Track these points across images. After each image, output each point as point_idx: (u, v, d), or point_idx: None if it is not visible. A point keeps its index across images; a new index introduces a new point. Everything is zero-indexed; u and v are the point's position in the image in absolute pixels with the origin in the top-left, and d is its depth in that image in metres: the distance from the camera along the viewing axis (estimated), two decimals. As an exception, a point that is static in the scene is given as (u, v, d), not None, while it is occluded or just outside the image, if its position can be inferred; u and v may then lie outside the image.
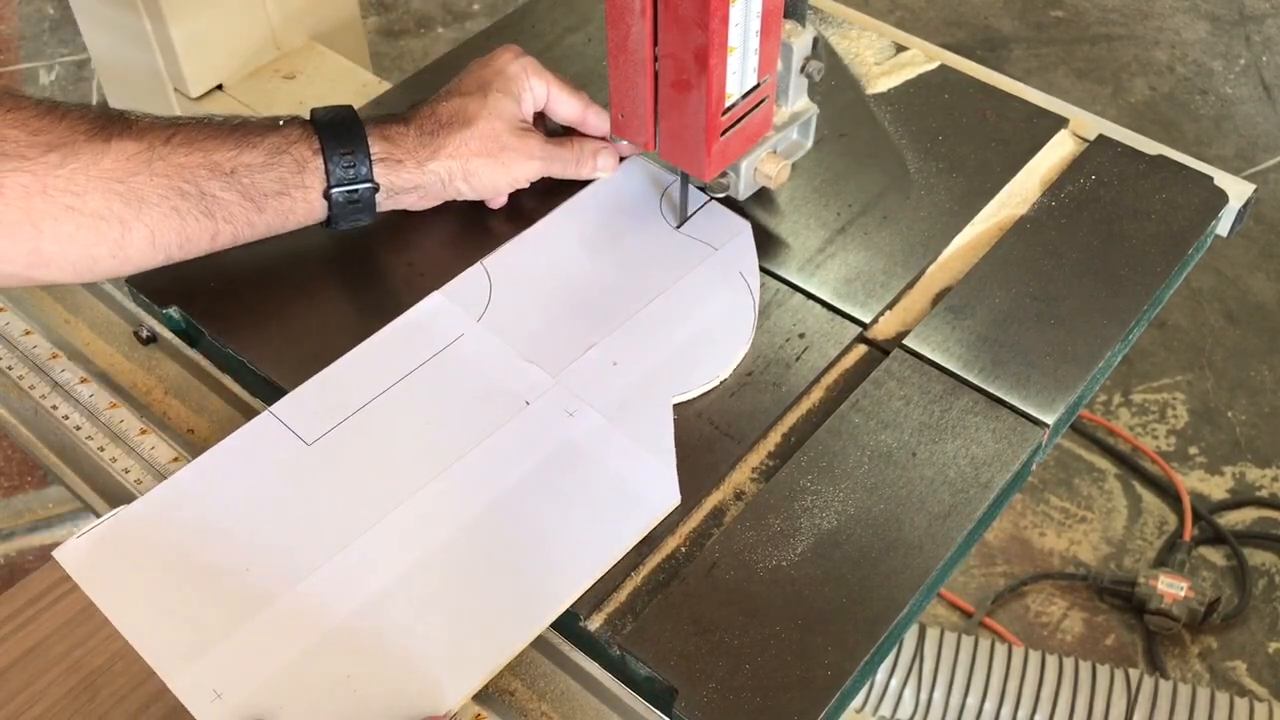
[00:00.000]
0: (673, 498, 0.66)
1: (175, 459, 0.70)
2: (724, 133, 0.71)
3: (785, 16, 0.72)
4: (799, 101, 0.78)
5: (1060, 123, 0.88)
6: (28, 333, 0.77)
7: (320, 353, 0.74)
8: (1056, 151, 0.87)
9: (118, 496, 0.69)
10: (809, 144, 0.81)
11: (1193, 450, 1.75)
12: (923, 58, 0.93)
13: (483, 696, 0.63)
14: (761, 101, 0.73)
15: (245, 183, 0.70)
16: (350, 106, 0.74)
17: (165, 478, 0.70)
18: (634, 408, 0.70)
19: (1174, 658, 1.53)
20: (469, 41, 0.96)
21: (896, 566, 0.64)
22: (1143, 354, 1.85)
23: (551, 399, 0.70)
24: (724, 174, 0.76)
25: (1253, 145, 2.11)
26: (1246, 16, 2.35)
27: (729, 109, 0.70)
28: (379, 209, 0.75)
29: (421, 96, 0.92)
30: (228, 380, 0.75)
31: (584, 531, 0.65)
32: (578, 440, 0.68)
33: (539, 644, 0.64)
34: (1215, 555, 1.65)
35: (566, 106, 0.80)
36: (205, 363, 0.75)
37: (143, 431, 0.72)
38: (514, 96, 0.77)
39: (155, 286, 0.77)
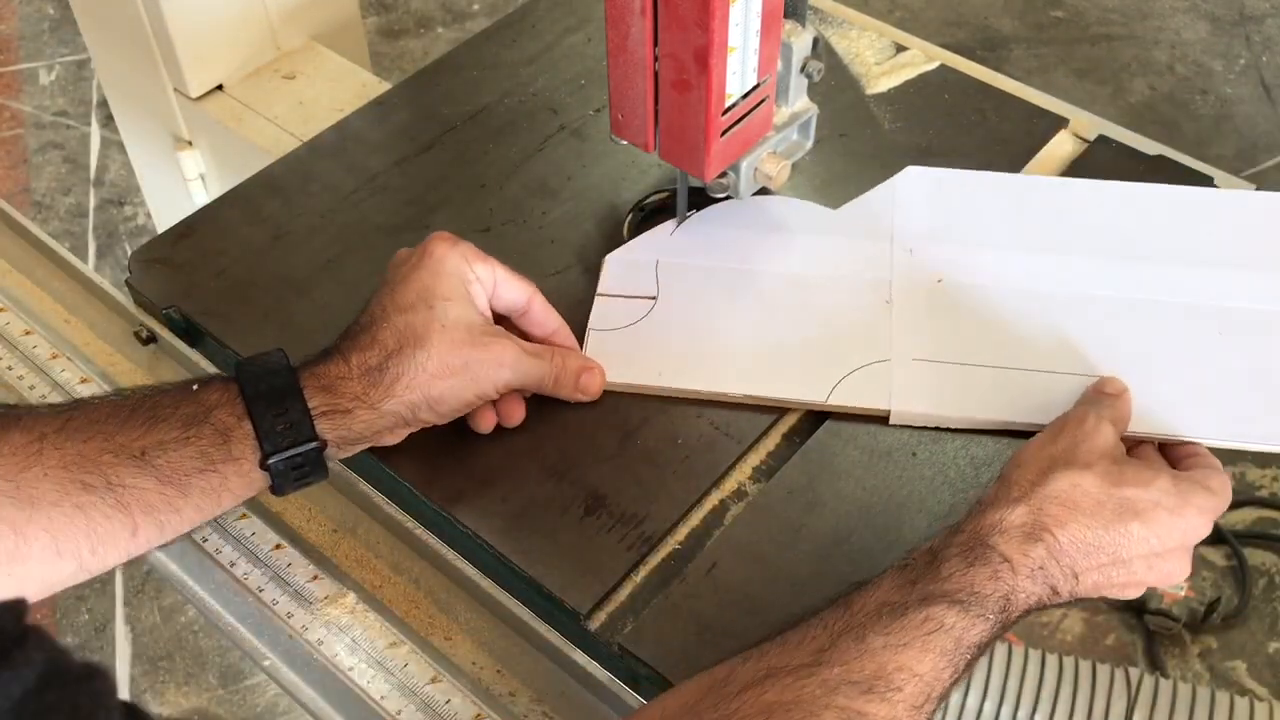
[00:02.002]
0: None
1: (175, 459, 0.70)
2: (724, 133, 0.71)
3: (785, 16, 0.72)
4: (799, 101, 0.78)
5: (1060, 123, 0.88)
6: (28, 333, 0.77)
7: (320, 353, 0.74)
8: (1056, 151, 0.87)
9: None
10: (809, 144, 0.80)
11: (1193, 450, 1.75)
12: (923, 58, 0.93)
13: (484, 697, 0.63)
14: (761, 101, 0.73)
15: (160, 464, 0.57)
16: (280, 351, 0.63)
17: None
18: None
19: (1174, 657, 1.53)
20: (469, 41, 0.96)
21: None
22: (1143, 354, 1.84)
23: None
24: (724, 174, 0.76)
25: (1253, 145, 2.11)
26: (1246, 16, 2.35)
27: (729, 109, 0.70)
28: (333, 463, 0.64)
29: (421, 97, 0.92)
30: (228, 380, 0.75)
31: None
32: None
33: (539, 644, 0.64)
34: (1215, 555, 1.64)
35: (512, 292, 0.69)
36: (205, 363, 0.75)
37: (143, 431, 0.72)
38: (465, 297, 0.66)
39: (155, 287, 0.78)
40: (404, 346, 0.63)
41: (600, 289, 0.77)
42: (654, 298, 0.76)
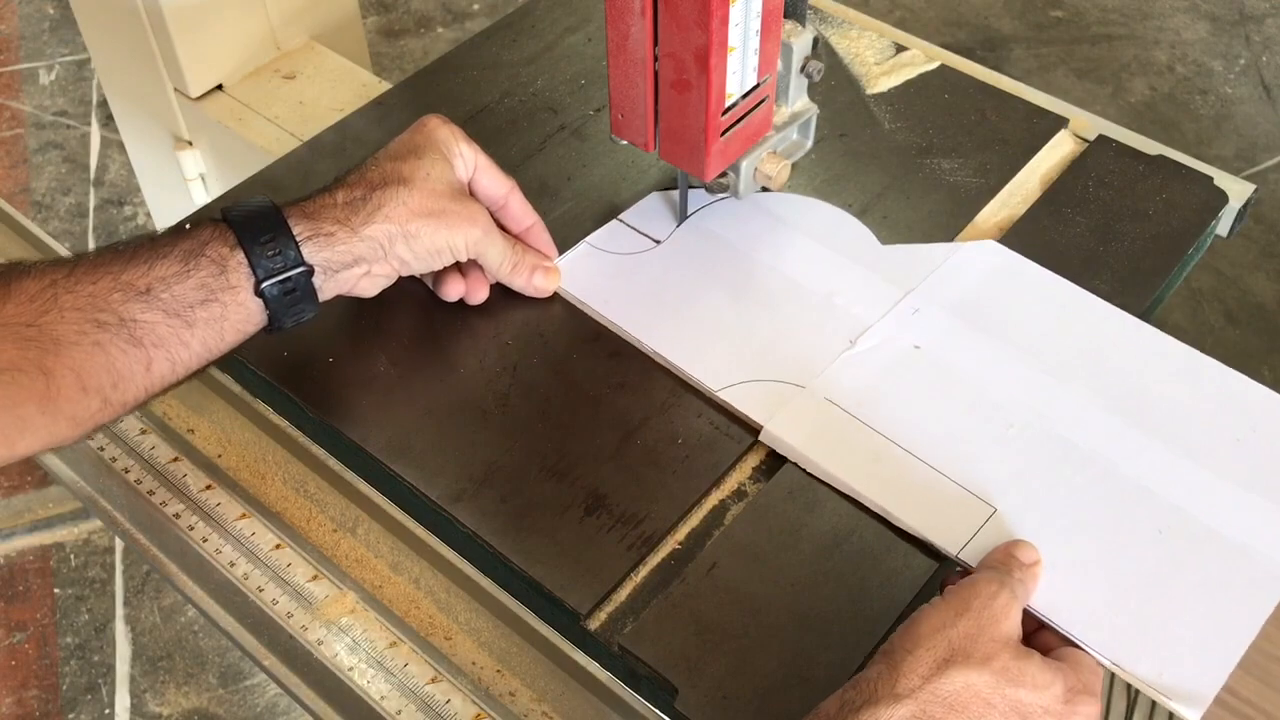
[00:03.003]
0: None
1: (175, 459, 0.70)
2: (724, 133, 0.71)
3: (785, 16, 0.72)
4: (799, 101, 0.78)
5: (1060, 123, 0.88)
6: (28, 333, 0.77)
7: (320, 352, 0.74)
8: (1056, 151, 0.87)
9: (118, 497, 0.69)
10: (809, 144, 0.80)
11: (1193, 450, 1.75)
12: (923, 58, 0.93)
13: (484, 697, 0.63)
14: (761, 101, 0.73)
15: (165, 298, 0.61)
16: (265, 198, 0.67)
17: (166, 478, 0.70)
18: None
19: (1174, 658, 1.53)
20: (469, 41, 0.96)
21: (897, 566, 0.64)
22: (1143, 354, 1.84)
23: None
24: (724, 174, 0.76)
25: (1253, 145, 2.11)
26: (1246, 16, 2.35)
27: (729, 109, 0.70)
28: (322, 296, 0.67)
29: (421, 97, 0.92)
30: (228, 380, 0.75)
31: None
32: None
33: (539, 644, 0.64)
34: (1215, 555, 1.64)
35: (492, 182, 0.74)
36: (205, 363, 0.75)
37: (143, 431, 0.72)
38: (450, 161, 0.71)
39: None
40: (388, 184, 0.68)
41: (623, 215, 0.80)
42: (658, 243, 0.79)
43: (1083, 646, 0.59)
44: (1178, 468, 0.67)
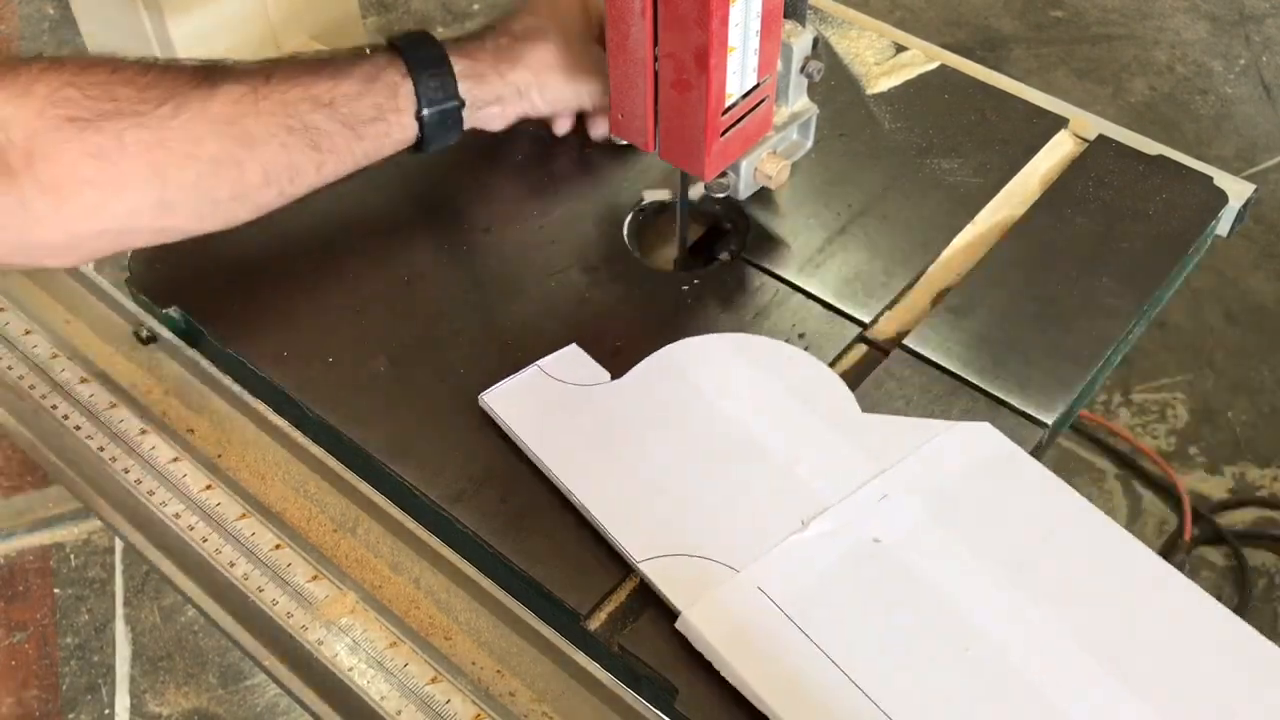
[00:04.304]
0: None
1: (175, 459, 0.70)
2: (724, 133, 0.71)
3: (785, 16, 0.72)
4: (799, 101, 0.78)
5: (1060, 123, 0.88)
6: (28, 332, 0.77)
7: (320, 352, 0.74)
8: (1056, 151, 0.87)
9: (118, 497, 0.69)
10: (809, 144, 0.80)
11: (1193, 450, 1.75)
12: (923, 58, 0.93)
13: (484, 697, 0.63)
14: (761, 101, 0.73)
15: (344, 112, 0.71)
16: (425, 31, 0.76)
17: (166, 478, 0.70)
18: None
19: (1174, 658, 1.53)
20: (469, 41, 0.96)
21: (897, 567, 0.63)
22: (1143, 354, 1.85)
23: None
24: (724, 174, 0.76)
25: (1253, 145, 2.11)
26: (1246, 16, 2.35)
27: (729, 109, 0.70)
28: (465, 126, 0.77)
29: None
30: (228, 380, 0.75)
31: None
32: None
33: (539, 644, 0.64)
34: (1215, 555, 1.64)
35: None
36: (205, 363, 0.75)
37: (143, 431, 0.72)
38: (579, 15, 0.80)
39: (155, 287, 0.77)
40: (529, 36, 0.78)
41: (542, 363, 0.72)
42: (613, 376, 0.71)
43: None
44: None
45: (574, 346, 0.73)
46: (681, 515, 0.64)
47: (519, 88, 0.77)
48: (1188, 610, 0.61)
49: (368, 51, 0.74)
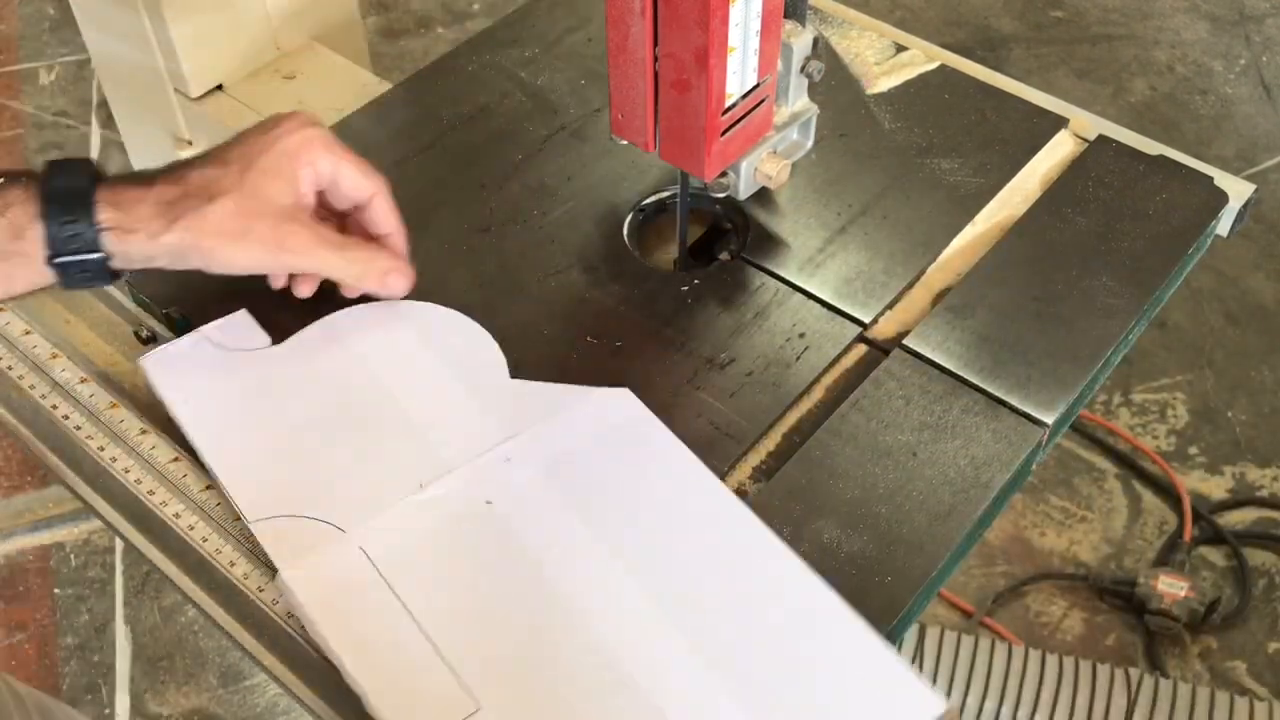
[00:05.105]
0: None
1: (175, 459, 0.70)
2: (724, 133, 0.71)
3: (785, 16, 0.72)
4: (799, 101, 0.78)
5: (1060, 123, 0.88)
6: (27, 332, 0.77)
7: (320, 353, 0.74)
8: (1056, 151, 0.87)
9: (118, 496, 0.69)
10: (809, 144, 0.80)
11: (1193, 450, 1.75)
12: (923, 58, 0.93)
13: (483, 696, 0.63)
14: (761, 101, 0.73)
15: None
16: (90, 161, 0.66)
17: (166, 478, 0.70)
18: None
19: (1174, 658, 1.53)
20: (469, 41, 0.96)
21: (897, 566, 0.64)
22: (1143, 354, 1.85)
23: None
24: (724, 174, 0.76)
25: (1253, 145, 2.11)
26: (1246, 16, 2.35)
27: (729, 109, 0.70)
28: (124, 272, 0.67)
29: (421, 97, 0.92)
30: (228, 380, 0.75)
31: None
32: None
33: (538, 644, 0.64)
34: (1215, 555, 1.65)
35: (353, 185, 0.70)
36: (205, 363, 0.75)
37: (143, 431, 0.72)
38: (284, 175, 0.67)
39: (155, 287, 0.77)
40: (198, 194, 0.66)
41: (204, 329, 0.72)
42: (276, 342, 0.72)
43: None
44: (720, 700, 0.56)
45: (243, 312, 0.73)
46: (305, 478, 0.65)
47: (177, 252, 0.66)
48: (788, 585, 0.61)
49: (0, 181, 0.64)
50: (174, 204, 0.65)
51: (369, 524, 0.62)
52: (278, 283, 0.73)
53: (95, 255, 0.64)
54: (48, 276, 0.65)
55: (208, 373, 0.70)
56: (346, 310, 0.73)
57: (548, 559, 0.61)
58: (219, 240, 0.66)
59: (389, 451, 0.66)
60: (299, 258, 0.69)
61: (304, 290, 0.73)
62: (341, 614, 0.59)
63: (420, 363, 0.71)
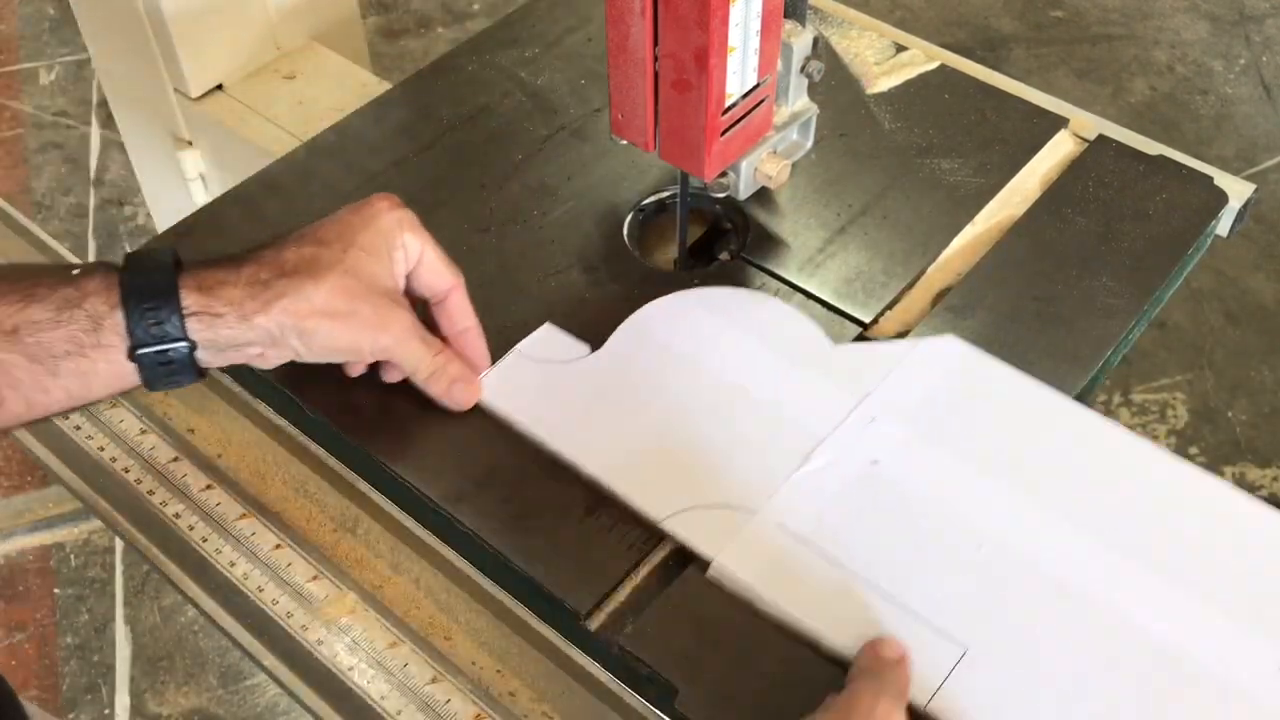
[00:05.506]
0: None
1: (175, 459, 0.70)
2: (724, 133, 0.71)
3: (785, 16, 0.72)
4: (799, 101, 0.78)
5: (1060, 123, 0.88)
6: (28, 333, 0.77)
7: (320, 353, 0.74)
8: (1056, 151, 0.87)
9: (118, 497, 0.69)
10: (809, 144, 0.80)
11: (1193, 450, 1.75)
12: (923, 58, 0.93)
13: (484, 697, 0.63)
14: (761, 101, 0.73)
15: (30, 343, 0.58)
16: (171, 249, 0.63)
17: (166, 478, 0.70)
18: None
19: (1174, 658, 1.53)
20: (469, 41, 0.96)
21: (897, 566, 0.64)
22: (1143, 354, 1.85)
23: None
24: (724, 174, 0.76)
25: (1253, 145, 2.11)
26: (1246, 16, 2.35)
27: (729, 109, 0.70)
28: (208, 366, 0.63)
29: (421, 97, 0.92)
30: (228, 380, 0.75)
31: None
32: None
33: (539, 644, 0.64)
34: (1215, 555, 1.64)
35: (434, 277, 0.68)
36: (205, 363, 0.75)
37: (143, 431, 0.72)
38: (382, 256, 0.65)
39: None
40: (299, 272, 0.62)
41: (521, 346, 0.73)
42: (591, 348, 0.72)
43: None
44: (1167, 598, 0.60)
45: (548, 325, 0.73)
46: (692, 470, 0.66)
47: (272, 334, 0.62)
48: (1173, 479, 0.65)
49: (76, 272, 0.60)
50: (270, 283, 0.62)
51: (775, 501, 0.64)
52: (355, 370, 0.70)
53: (180, 344, 0.60)
54: (128, 373, 0.60)
55: (539, 388, 0.70)
56: (647, 308, 0.74)
57: (950, 497, 0.64)
58: (322, 321, 0.62)
59: (755, 433, 0.68)
60: (395, 344, 0.66)
61: (393, 376, 0.70)
62: (786, 583, 0.61)
63: (743, 345, 0.72)
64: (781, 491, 0.65)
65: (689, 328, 0.73)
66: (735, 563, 0.62)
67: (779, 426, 0.68)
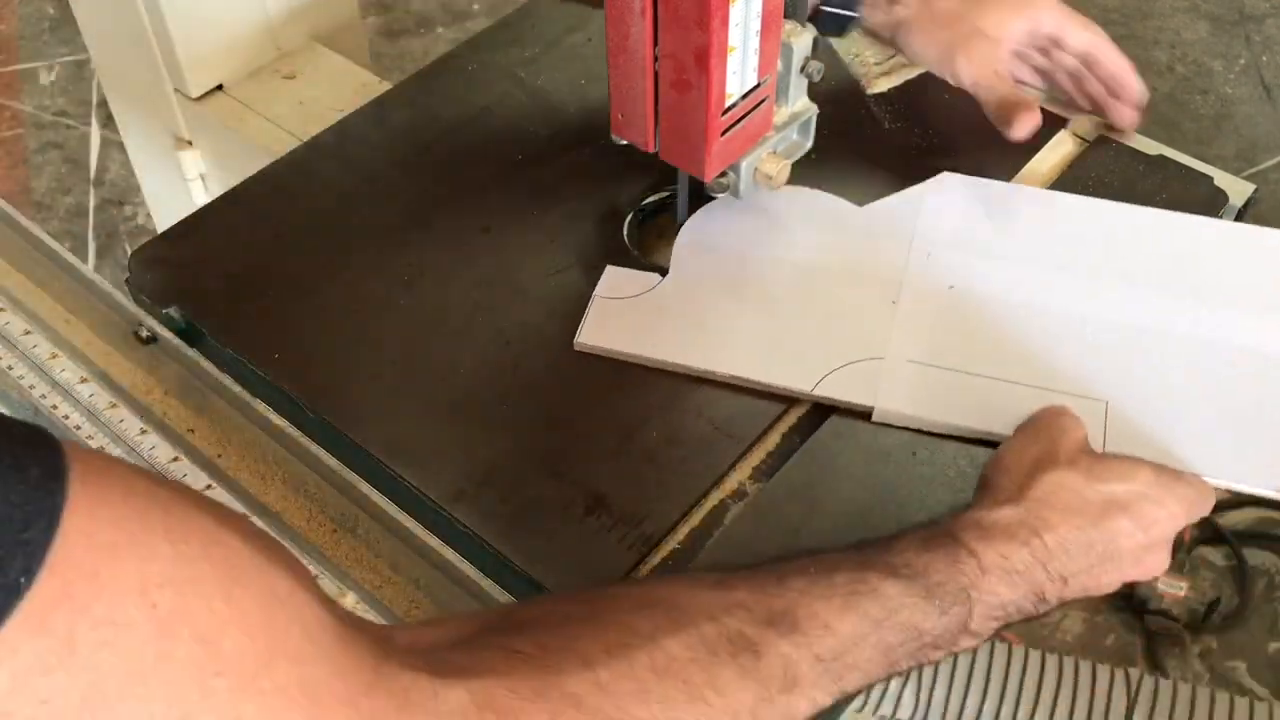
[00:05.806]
0: None
1: (175, 459, 0.70)
2: (724, 133, 0.71)
3: (785, 16, 0.72)
4: (799, 101, 0.78)
5: (1060, 123, 0.88)
6: (28, 332, 0.77)
7: (320, 352, 0.74)
8: (1056, 151, 0.87)
9: (118, 496, 0.69)
10: (809, 144, 0.80)
11: (1193, 450, 1.75)
12: (923, 58, 0.93)
13: (483, 696, 0.63)
14: (762, 101, 0.73)
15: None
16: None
17: (165, 477, 0.70)
18: None
19: (1174, 658, 1.53)
20: (469, 41, 0.96)
21: (896, 566, 0.64)
22: (1143, 354, 1.84)
23: None
24: (724, 174, 0.76)
25: (1253, 145, 2.11)
26: (1246, 16, 2.35)
27: (729, 109, 0.70)
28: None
29: (421, 97, 0.92)
30: (228, 380, 0.75)
31: None
32: None
33: (539, 644, 0.64)
34: (1215, 555, 1.64)
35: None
36: (205, 363, 0.75)
37: (143, 431, 0.72)
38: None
39: (155, 287, 0.78)
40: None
41: (598, 291, 0.76)
42: (663, 273, 0.77)
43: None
44: (1226, 317, 0.73)
45: (610, 268, 0.78)
46: (807, 345, 0.73)
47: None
48: (1189, 228, 0.79)
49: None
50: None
51: (892, 345, 0.72)
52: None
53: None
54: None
55: (636, 321, 0.75)
56: (683, 235, 0.79)
57: (1029, 294, 0.75)
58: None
59: (842, 296, 0.76)
60: (1049, 12, 0.83)
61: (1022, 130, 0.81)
62: (950, 404, 0.70)
63: (792, 228, 0.80)
64: (893, 334, 0.73)
65: (732, 229, 0.80)
66: (891, 401, 0.69)
67: (856, 285, 0.76)
